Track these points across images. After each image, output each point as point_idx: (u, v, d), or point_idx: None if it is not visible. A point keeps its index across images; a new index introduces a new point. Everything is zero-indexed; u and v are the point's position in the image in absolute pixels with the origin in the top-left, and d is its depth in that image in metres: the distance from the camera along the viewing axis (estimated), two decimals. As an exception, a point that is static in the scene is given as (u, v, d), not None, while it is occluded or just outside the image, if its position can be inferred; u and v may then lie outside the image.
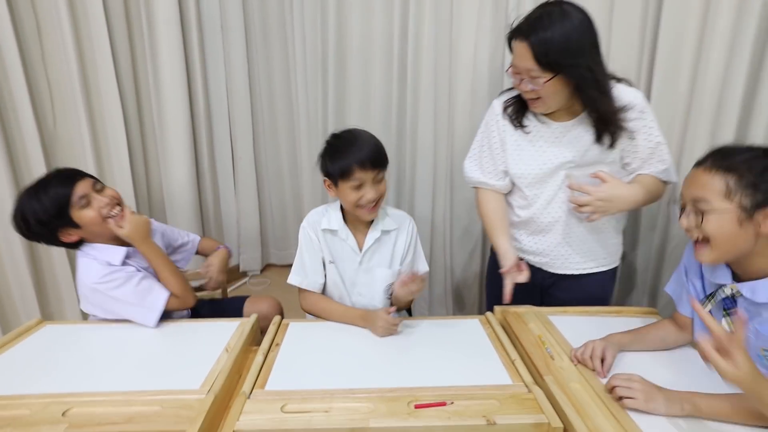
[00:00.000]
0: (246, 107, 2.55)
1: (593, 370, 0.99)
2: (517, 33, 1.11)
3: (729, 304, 0.94)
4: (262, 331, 1.21)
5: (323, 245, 1.29)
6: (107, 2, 1.96)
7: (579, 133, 1.20)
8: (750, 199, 0.85)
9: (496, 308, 1.29)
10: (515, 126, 1.27)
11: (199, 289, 1.59)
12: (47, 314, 1.99)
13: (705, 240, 0.91)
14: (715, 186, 0.88)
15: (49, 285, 2.03)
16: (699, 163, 0.93)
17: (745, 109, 1.59)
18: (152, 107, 2.25)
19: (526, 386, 0.93)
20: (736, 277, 0.95)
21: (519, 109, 1.26)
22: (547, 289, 1.39)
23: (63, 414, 0.85)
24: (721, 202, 0.87)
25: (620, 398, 0.87)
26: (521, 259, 1.23)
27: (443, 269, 2.24)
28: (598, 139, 1.18)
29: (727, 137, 1.60)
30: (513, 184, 1.33)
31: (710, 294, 0.99)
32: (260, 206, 2.76)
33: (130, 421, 0.83)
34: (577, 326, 1.17)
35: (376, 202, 1.21)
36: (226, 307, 1.55)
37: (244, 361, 1.07)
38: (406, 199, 2.22)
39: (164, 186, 2.36)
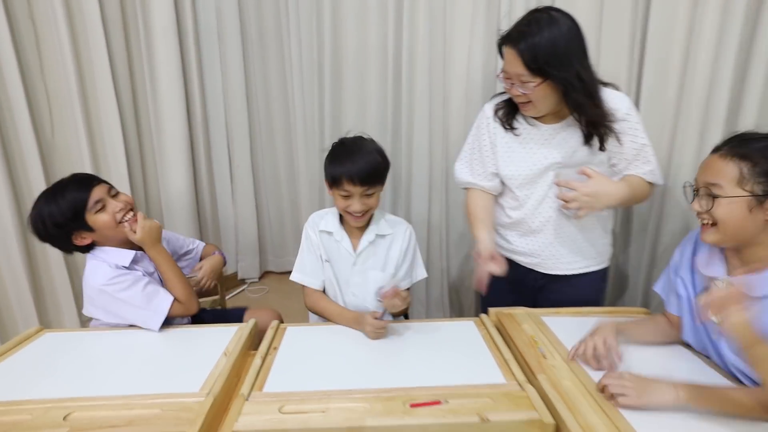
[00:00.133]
0: (243, 114, 2.57)
1: (598, 369, 0.99)
2: (507, 39, 1.15)
3: None
4: (261, 339, 1.22)
5: (321, 245, 1.35)
6: (104, 11, 1.98)
7: (567, 135, 1.23)
8: (762, 187, 0.87)
9: (491, 310, 1.31)
10: (506, 128, 1.30)
11: (201, 295, 1.60)
12: (45, 323, 2.00)
13: (714, 224, 0.93)
14: (728, 172, 0.89)
15: (48, 294, 2.04)
16: (716, 149, 0.95)
17: (731, 111, 1.63)
18: (150, 115, 2.27)
19: (519, 385, 0.95)
20: (729, 271, 0.96)
21: (509, 112, 1.29)
22: (539, 291, 1.41)
23: (64, 418, 0.86)
24: (733, 189, 0.89)
25: (612, 396, 0.88)
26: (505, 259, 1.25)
27: (440, 273, 2.26)
28: (586, 141, 1.21)
29: (714, 139, 1.63)
30: (504, 185, 1.36)
31: (703, 289, 1.00)
32: (258, 213, 2.78)
33: (130, 424, 0.84)
34: (569, 327, 1.19)
35: (364, 213, 1.26)
36: (227, 318, 1.56)
37: (242, 365, 1.09)
38: (402, 204, 2.24)
39: (162, 194, 2.38)
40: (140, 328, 1.24)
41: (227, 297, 2.58)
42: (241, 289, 2.79)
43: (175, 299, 1.27)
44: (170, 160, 2.32)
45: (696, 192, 0.97)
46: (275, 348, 1.13)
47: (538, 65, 1.10)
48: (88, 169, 2.00)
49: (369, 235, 1.33)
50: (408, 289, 1.39)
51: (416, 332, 1.22)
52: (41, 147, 1.90)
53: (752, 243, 0.92)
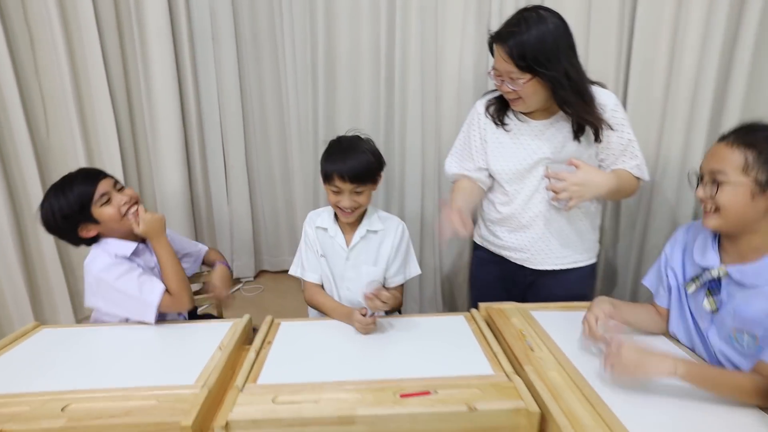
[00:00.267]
0: (237, 115, 2.58)
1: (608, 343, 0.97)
2: (497, 37, 1.18)
3: (714, 286, 0.99)
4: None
5: (317, 240, 1.39)
6: (99, 13, 2.00)
7: (557, 130, 1.27)
8: (766, 175, 0.88)
9: (481, 305, 1.33)
10: (496, 124, 1.33)
11: (197, 292, 1.61)
12: (41, 321, 1.94)
13: (717, 210, 0.95)
14: (734, 159, 0.91)
15: (43, 292, 2.05)
16: (723, 138, 0.96)
17: (715, 111, 1.67)
18: (144, 116, 2.28)
19: (507, 375, 0.98)
20: (723, 260, 0.99)
21: (500, 108, 1.33)
22: (528, 287, 1.44)
23: (62, 409, 0.88)
24: (738, 176, 0.90)
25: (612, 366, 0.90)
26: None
27: (433, 270, 2.29)
28: (576, 136, 1.24)
29: (699, 136, 1.67)
30: (493, 180, 1.39)
31: (695, 276, 1.02)
32: (253, 213, 2.79)
33: (127, 414, 0.86)
34: (557, 321, 1.21)
35: (354, 210, 1.29)
36: None
37: (237, 359, 1.11)
38: (395, 202, 2.27)
39: (157, 194, 2.39)
40: (137, 323, 1.26)
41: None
42: (236, 288, 2.79)
43: (167, 291, 1.28)
44: (165, 159, 2.33)
45: (701, 179, 0.99)
46: (269, 342, 1.16)
47: (526, 62, 1.13)
48: (83, 169, 2.02)
49: (361, 230, 1.36)
50: (402, 285, 1.42)
51: (407, 326, 1.25)
52: (36, 147, 1.92)
53: (750, 231, 0.93)
